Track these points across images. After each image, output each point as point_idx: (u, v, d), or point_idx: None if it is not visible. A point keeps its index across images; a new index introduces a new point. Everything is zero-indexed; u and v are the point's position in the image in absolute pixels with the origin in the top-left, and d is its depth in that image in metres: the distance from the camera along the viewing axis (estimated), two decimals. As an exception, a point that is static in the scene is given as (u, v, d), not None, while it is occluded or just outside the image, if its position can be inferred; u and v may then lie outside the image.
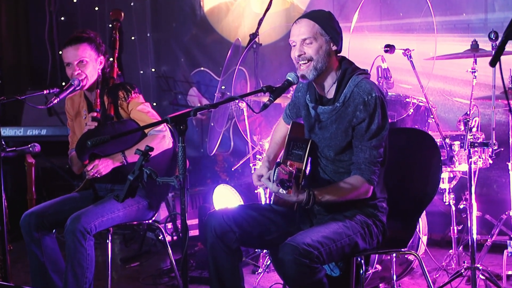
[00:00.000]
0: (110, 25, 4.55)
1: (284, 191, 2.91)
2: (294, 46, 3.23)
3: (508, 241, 4.13)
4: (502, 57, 2.52)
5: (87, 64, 4.03)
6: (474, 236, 4.03)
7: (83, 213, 3.78)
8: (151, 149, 2.90)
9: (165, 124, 3.91)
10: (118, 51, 4.36)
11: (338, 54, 3.28)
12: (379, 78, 4.46)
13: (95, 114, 4.02)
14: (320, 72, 3.20)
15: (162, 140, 3.97)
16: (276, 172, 2.89)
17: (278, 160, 3.45)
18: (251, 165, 5.03)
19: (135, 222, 4.18)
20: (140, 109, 4.03)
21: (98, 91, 4.07)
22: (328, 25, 3.19)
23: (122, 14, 4.61)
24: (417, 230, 4.20)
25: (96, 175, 3.89)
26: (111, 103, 4.04)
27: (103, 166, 3.90)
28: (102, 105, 4.07)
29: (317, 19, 3.19)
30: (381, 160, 3.20)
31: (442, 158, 3.82)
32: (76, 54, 4.01)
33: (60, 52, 7.59)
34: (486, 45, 4.25)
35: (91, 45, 4.05)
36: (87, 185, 4.18)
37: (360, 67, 3.31)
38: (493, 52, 4.04)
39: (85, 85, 4.06)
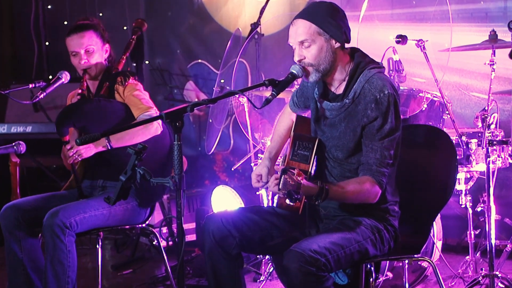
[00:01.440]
0: (135, 31, 4.64)
1: (292, 203, 2.91)
2: (294, 49, 3.21)
3: (529, 247, 4.14)
4: (524, 49, 2.52)
5: (94, 52, 4.09)
6: (493, 241, 4.03)
7: (63, 207, 3.80)
8: (145, 147, 2.90)
9: (156, 110, 3.98)
10: (130, 53, 4.44)
11: (348, 46, 3.26)
12: (391, 71, 4.45)
13: (79, 91, 4.06)
14: (324, 72, 3.19)
15: (150, 125, 3.95)
16: (282, 180, 2.86)
17: (281, 160, 3.44)
18: (252, 164, 5.03)
19: (127, 226, 4.19)
20: (135, 95, 4.06)
21: (98, 79, 4.12)
22: (326, 22, 3.14)
23: (146, 25, 4.69)
24: (431, 235, 4.20)
25: (76, 157, 3.87)
26: (108, 87, 4.07)
27: (84, 148, 3.87)
28: (99, 91, 4.11)
29: (313, 18, 3.14)
30: (391, 162, 3.18)
31: (458, 157, 3.82)
32: (83, 42, 4.07)
33: (47, 43, 7.60)
34: (505, 35, 4.24)
35: (97, 33, 4.12)
36: (74, 184, 4.18)
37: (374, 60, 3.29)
38: (513, 43, 4.04)
39: (91, 74, 4.10)
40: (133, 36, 4.60)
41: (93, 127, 3.94)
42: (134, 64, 7.33)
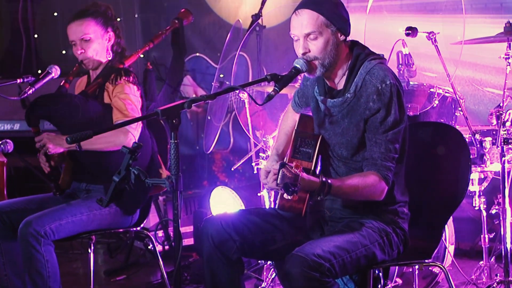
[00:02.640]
0: (172, 23, 4.59)
1: (289, 197, 2.91)
2: (296, 40, 3.21)
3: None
4: (541, 41, 2.52)
5: (91, 41, 4.08)
6: (508, 246, 4.04)
7: (37, 216, 3.80)
8: (140, 146, 2.90)
9: (137, 124, 3.92)
10: (152, 45, 4.43)
11: (348, 39, 3.27)
12: (400, 65, 4.45)
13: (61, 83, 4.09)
14: (328, 67, 3.20)
15: (122, 134, 3.87)
16: (280, 174, 2.88)
17: (284, 159, 3.45)
18: (253, 164, 5.03)
19: (121, 230, 4.19)
20: (122, 98, 3.98)
21: (98, 72, 4.12)
22: (334, 14, 3.16)
23: (190, 18, 4.64)
24: (443, 238, 4.21)
25: (45, 150, 3.89)
26: (98, 84, 4.07)
27: (52, 143, 3.88)
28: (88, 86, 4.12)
29: (321, 9, 3.15)
30: (397, 157, 3.19)
31: (471, 157, 3.82)
32: (79, 30, 4.08)
33: (36, 36, 7.61)
34: (522, 27, 4.25)
35: (97, 20, 4.09)
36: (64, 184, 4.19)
37: (376, 52, 3.30)
38: (530, 35, 4.05)
39: (88, 65, 4.12)
40: (167, 27, 4.53)
41: (63, 122, 3.99)
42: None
